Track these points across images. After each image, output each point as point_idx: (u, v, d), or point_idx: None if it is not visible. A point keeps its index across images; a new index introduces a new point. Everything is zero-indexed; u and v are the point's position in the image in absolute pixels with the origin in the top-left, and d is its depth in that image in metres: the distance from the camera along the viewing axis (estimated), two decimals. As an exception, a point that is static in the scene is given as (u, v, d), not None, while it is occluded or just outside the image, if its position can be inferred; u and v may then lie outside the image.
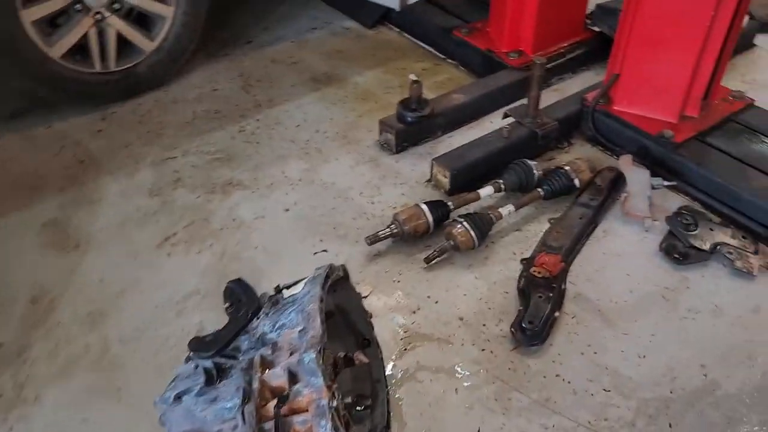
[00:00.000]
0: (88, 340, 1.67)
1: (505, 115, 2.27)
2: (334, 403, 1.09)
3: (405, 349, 1.64)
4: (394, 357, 1.62)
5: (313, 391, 1.10)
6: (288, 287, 1.34)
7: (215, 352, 1.18)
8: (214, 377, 1.22)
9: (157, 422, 1.32)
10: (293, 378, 1.15)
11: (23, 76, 2.32)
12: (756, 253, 1.86)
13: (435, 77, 2.74)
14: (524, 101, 2.34)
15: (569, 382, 1.56)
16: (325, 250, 1.91)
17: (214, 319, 1.70)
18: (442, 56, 2.86)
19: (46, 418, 1.50)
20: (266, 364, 1.19)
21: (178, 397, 1.26)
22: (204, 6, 2.55)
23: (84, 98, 2.46)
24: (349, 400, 1.25)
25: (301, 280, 1.33)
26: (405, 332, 1.68)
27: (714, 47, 2.03)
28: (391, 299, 1.76)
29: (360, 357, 1.31)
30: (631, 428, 1.47)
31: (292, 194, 2.12)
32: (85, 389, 1.56)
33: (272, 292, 1.37)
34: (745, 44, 2.86)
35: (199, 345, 1.20)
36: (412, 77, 2.67)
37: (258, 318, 1.26)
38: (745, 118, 2.24)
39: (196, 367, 1.30)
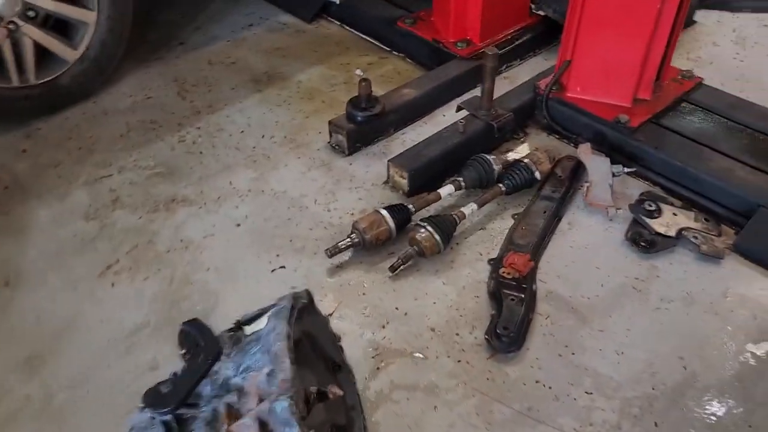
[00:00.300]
0: (28, 390, 1.51)
1: (459, 109, 2.20)
2: (313, 452, 1.00)
3: (377, 368, 1.55)
4: (366, 377, 1.52)
5: (288, 441, 1.00)
6: (249, 322, 1.22)
7: (174, 406, 1.06)
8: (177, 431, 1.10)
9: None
10: (264, 428, 1.04)
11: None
12: (719, 235, 1.85)
13: (381, 71, 2.63)
14: (476, 92, 2.28)
15: (550, 388, 1.51)
16: (283, 267, 1.79)
17: (168, 352, 1.57)
18: (387, 49, 2.75)
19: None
20: (233, 413, 1.08)
21: (136, 454, 1.13)
22: (129, 8, 2.36)
23: (4, 116, 2.24)
24: (325, 438, 1.15)
25: (263, 312, 1.22)
26: (375, 350, 1.59)
27: (665, 28, 2.01)
28: (357, 314, 1.67)
29: (334, 390, 1.20)
30: (617, 431, 1.42)
31: (243, 207, 1.99)
32: (29, 445, 1.42)
33: (231, 326, 1.26)
34: (686, 21, 2.86)
35: (155, 399, 1.07)
36: (359, 73, 2.58)
37: (219, 360, 1.14)
38: (696, 97, 2.23)
39: (153, 418, 1.17)
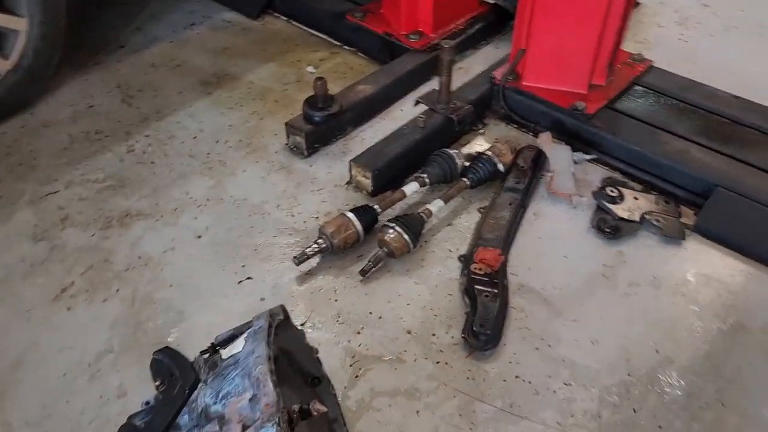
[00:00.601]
0: (-15, 430, 1.42)
1: (417, 103, 2.17)
2: (305, 478, 0.96)
3: (356, 377, 1.52)
4: (345, 387, 1.49)
5: (278, 469, 0.96)
6: (224, 343, 1.17)
7: (154, 441, 1.01)
8: (153, 466, 1.04)
9: None
10: (251, 455, 1.00)
11: None
12: (680, 216, 1.89)
13: (333, 66, 2.58)
14: (432, 85, 2.26)
15: (530, 382, 1.51)
16: (249, 278, 1.73)
17: (135, 377, 1.50)
18: (338, 43, 2.70)
19: None
20: (216, 442, 1.03)
21: (113, 494, 1.07)
22: (63, 12, 2.23)
23: (-68, 134, 2.10)
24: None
25: (239, 333, 1.17)
26: (353, 357, 1.55)
27: (616, 12, 2.02)
28: (331, 322, 1.63)
29: (317, 407, 1.17)
30: (598, 420, 1.44)
31: (202, 217, 1.91)
32: (-8, 491, 1.33)
33: (206, 348, 1.20)
34: (631, 4, 2.91)
35: (134, 434, 1.01)
36: (311, 70, 2.52)
37: (197, 387, 1.09)
38: (647, 80, 2.27)
39: (128, 451, 1.11)
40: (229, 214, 1.92)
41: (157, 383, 1.09)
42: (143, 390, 1.46)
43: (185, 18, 2.86)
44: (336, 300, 1.69)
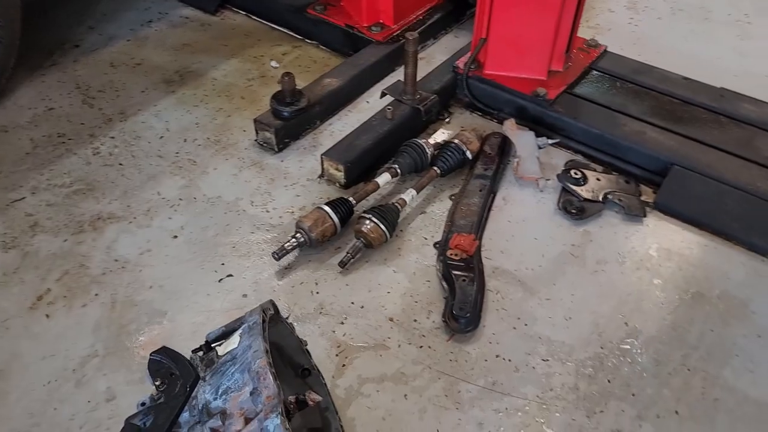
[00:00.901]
0: (-28, 443, 1.40)
1: (383, 95, 2.20)
2: (311, 464, 1.00)
3: (343, 366, 1.56)
4: (333, 376, 1.53)
5: (285, 458, 0.99)
6: (217, 340, 1.19)
7: (158, 440, 1.03)
8: (157, 465, 1.06)
9: None
10: (255, 447, 1.04)
11: None
12: (640, 195, 1.99)
13: (297, 61, 2.59)
14: (397, 77, 2.30)
15: (510, 360, 1.58)
16: (230, 275, 1.75)
17: (122, 380, 1.51)
18: (299, 37, 2.70)
19: None
20: (219, 437, 1.06)
21: (118, 495, 1.09)
22: (18, 13, 2.18)
23: None
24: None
25: (232, 329, 1.19)
26: (338, 347, 1.59)
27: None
28: (314, 314, 1.66)
29: (312, 397, 1.21)
30: (576, 392, 1.51)
31: (177, 217, 1.91)
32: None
33: (199, 346, 1.22)
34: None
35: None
36: (274, 65, 2.53)
37: (197, 385, 1.11)
38: (602, 64, 2.36)
39: (128, 452, 1.13)
40: (203, 212, 1.93)
41: (157, 383, 1.11)
42: (132, 393, 1.47)
43: (141, 15, 2.81)
44: (317, 292, 1.72)
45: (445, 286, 1.72)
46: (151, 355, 1.13)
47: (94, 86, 2.40)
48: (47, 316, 1.65)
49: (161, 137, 2.19)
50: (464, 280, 1.69)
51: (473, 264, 1.74)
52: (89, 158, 2.10)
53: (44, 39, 2.62)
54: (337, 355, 1.57)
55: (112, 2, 2.88)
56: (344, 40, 2.56)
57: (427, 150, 2.00)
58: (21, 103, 2.30)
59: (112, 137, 2.18)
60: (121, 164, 2.08)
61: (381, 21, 2.52)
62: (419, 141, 2.01)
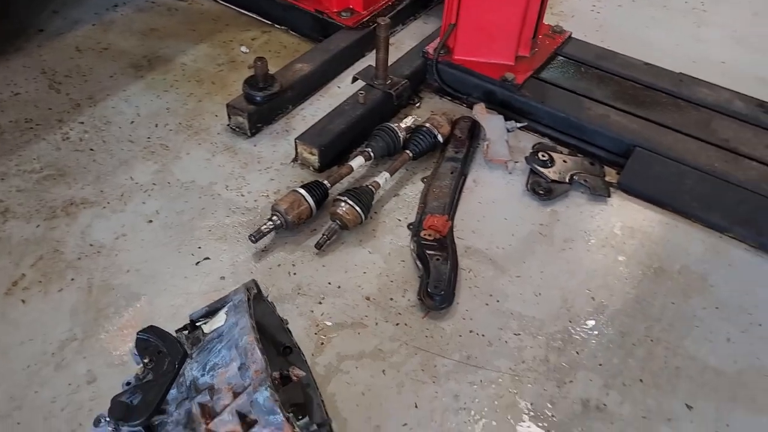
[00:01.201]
0: (-50, 428, 1.40)
1: (355, 80, 2.23)
2: (299, 434, 1.03)
3: (322, 344, 1.59)
4: (313, 354, 1.57)
5: (273, 429, 1.02)
6: (202, 318, 1.21)
7: (149, 416, 1.05)
8: (147, 440, 1.08)
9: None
10: (245, 420, 1.06)
11: None
12: (604, 176, 2.06)
13: (266, 46, 2.59)
14: (368, 62, 2.32)
15: (483, 335, 1.63)
16: (207, 258, 1.76)
17: (103, 363, 1.52)
18: (268, 22, 2.70)
19: None
20: (208, 411, 1.08)
21: (106, 471, 1.10)
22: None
23: None
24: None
25: (217, 308, 1.21)
26: (317, 326, 1.63)
27: (539, -12, 2.15)
28: (292, 295, 1.69)
29: (296, 372, 1.24)
30: (546, 364, 1.58)
31: (151, 202, 1.91)
32: (-33, 486, 1.32)
33: (184, 325, 1.24)
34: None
35: (127, 413, 1.05)
36: (244, 50, 2.53)
37: (185, 362, 1.13)
38: (567, 50, 2.43)
39: (115, 429, 1.14)
40: (178, 197, 1.93)
41: (146, 360, 1.13)
42: (113, 375, 1.49)
43: (99, 1, 2.77)
44: (294, 274, 1.75)
45: (420, 265, 1.76)
46: (138, 333, 1.15)
47: (60, 71, 2.37)
48: (23, 301, 1.64)
49: (132, 122, 2.18)
50: (438, 260, 1.74)
51: (446, 244, 1.79)
52: (59, 144, 2.08)
53: (6, 24, 2.56)
54: (316, 334, 1.61)
55: (75, -14, 2.83)
56: (314, 25, 2.57)
57: (399, 134, 2.04)
58: (-15, 89, 2.26)
59: (82, 122, 2.16)
60: (92, 149, 2.06)
61: (351, 6, 2.54)
62: (391, 125, 2.04)
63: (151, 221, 1.85)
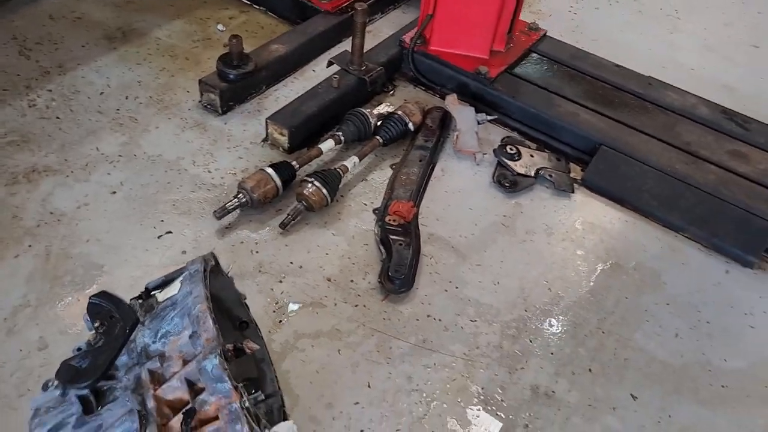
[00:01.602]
0: None
1: (330, 64, 2.23)
2: (246, 404, 1.04)
3: (280, 321, 1.60)
4: (270, 331, 1.57)
5: (221, 397, 1.03)
6: (158, 287, 1.21)
7: (96, 379, 1.05)
8: (93, 405, 1.08)
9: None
10: (192, 387, 1.07)
11: None
12: (569, 172, 2.10)
13: (243, 25, 2.58)
14: (344, 47, 2.33)
15: (440, 320, 1.66)
16: (169, 232, 1.76)
17: (56, 330, 1.51)
18: (247, 2, 2.69)
19: None
20: (157, 378, 1.08)
21: (52, 433, 1.10)
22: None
23: None
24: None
25: (172, 278, 1.21)
26: (276, 304, 1.64)
27: (516, -16, 2.17)
28: (253, 273, 1.70)
29: (250, 345, 1.24)
30: (500, 350, 1.61)
31: (116, 173, 1.90)
32: None
33: (139, 294, 1.24)
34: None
35: (75, 375, 1.04)
36: (220, 28, 2.51)
37: (136, 328, 1.13)
38: (542, 48, 2.46)
39: (63, 394, 1.14)
40: (144, 170, 1.92)
41: (96, 324, 1.12)
42: (66, 342, 1.48)
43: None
44: (257, 252, 1.75)
45: (383, 249, 1.78)
46: (90, 298, 1.14)
47: (31, 38, 2.33)
48: (-23, 265, 1.62)
49: (101, 93, 2.15)
50: (401, 245, 1.76)
51: (410, 230, 1.81)
52: (24, 110, 2.05)
53: (-23, -14, 2.51)
54: (274, 311, 1.62)
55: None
56: (293, 7, 2.57)
57: (371, 120, 2.05)
58: (-49, 51, 2.21)
59: (50, 90, 2.13)
60: (58, 118, 2.04)
61: (328, -8, 2.54)
62: (364, 110, 2.05)
63: (114, 192, 1.84)
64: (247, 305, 1.48)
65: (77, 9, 2.51)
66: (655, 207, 1.99)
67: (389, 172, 2.03)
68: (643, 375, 1.60)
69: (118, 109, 2.10)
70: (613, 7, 3.06)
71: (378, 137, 2.04)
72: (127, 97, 2.15)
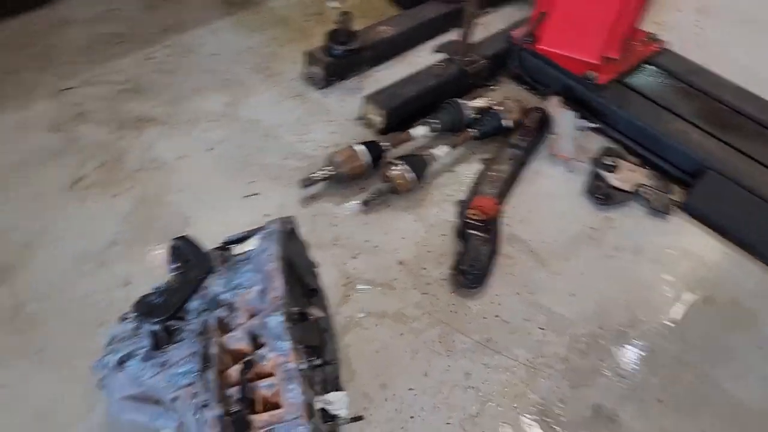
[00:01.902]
0: (-3, 299, 1.50)
1: (435, 51, 2.22)
2: (303, 365, 1.05)
3: (347, 296, 1.61)
4: (337, 304, 1.59)
5: (279, 354, 1.05)
6: (235, 242, 1.25)
7: (167, 316, 1.09)
8: (163, 341, 1.13)
9: (91, 385, 1.23)
10: (254, 341, 1.10)
11: None
12: (669, 192, 1.98)
13: (356, 4, 2.60)
14: (451, 36, 2.30)
15: (508, 322, 1.61)
16: (256, 194, 1.81)
17: (139, 270, 1.59)
18: (363, -18, 2.71)
19: (-45, 387, 1.35)
20: (223, 326, 1.12)
21: (121, 362, 1.16)
22: None
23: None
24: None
25: (250, 234, 1.25)
26: (346, 278, 1.65)
27: (639, -10, 2.07)
28: (329, 245, 1.72)
29: (314, 312, 1.26)
30: (566, 363, 1.55)
31: (215, 131, 1.97)
32: (2, 352, 1.41)
33: (219, 245, 1.28)
34: (654, -15, 2.94)
35: (149, 309, 1.10)
36: (334, 4, 2.54)
37: (209, 276, 1.18)
38: (659, 60, 2.33)
39: (136, 328, 1.20)
40: (241, 132, 1.98)
41: (173, 266, 1.17)
42: (147, 282, 1.54)
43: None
44: (336, 225, 1.77)
45: (460, 242, 1.75)
46: (172, 240, 1.20)
47: (157, -5, 2.46)
48: (80, 199, 1.73)
49: (213, 54, 2.24)
50: (479, 240, 1.73)
51: (491, 227, 1.77)
52: (141, 62, 2.17)
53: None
54: (344, 285, 1.63)
55: None
56: (405, -9, 2.57)
57: (467, 112, 2.02)
58: (84, 0, 2.37)
59: (168, 46, 2.24)
60: (171, 72, 2.14)
61: (445, -21, 2.51)
62: (461, 101, 2.03)
63: (212, 149, 1.92)
64: (317, 274, 1.50)
65: (203, -27, 2.62)
66: (759, 242, 1.84)
67: (479, 166, 1.99)
68: (720, 415, 1.50)
69: (226, 72, 2.18)
70: (743, 27, 2.85)
71: (472, 130, 2.00)
72: (236, 61, 2.23)
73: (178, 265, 1.17)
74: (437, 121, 1.99)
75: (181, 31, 2.31)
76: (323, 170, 1.81)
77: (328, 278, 1.61)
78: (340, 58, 2.14)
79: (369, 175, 1.87)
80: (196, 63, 2.19)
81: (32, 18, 2.24)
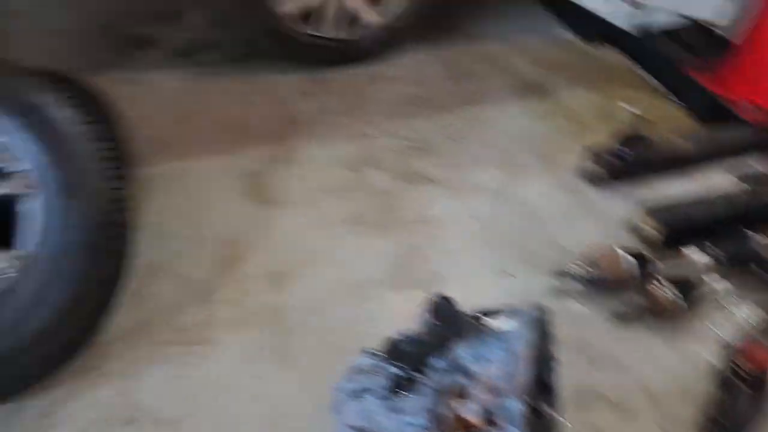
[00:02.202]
0: (267, 299, 1.71)
1: (737, 179, 2.05)
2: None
3: (582, 406, 1.52)
4: (568, 410, 1.50)
5: (510, 439, 1.03)
6: (488, 315, 1.27)
7: (413, 365, 1.14)
8: (401, 387, 1.18)
9: (324, 403, 1.31)
10: (488, 418, 1.09)
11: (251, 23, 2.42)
12: None
13: (648, 109, 2.51)
14: (755, 164, 2.12)
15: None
16: (513, 275, 1.82)
17: (386, 311, 1.69)
18: (663, 89, 2.63)
19: (219, 366, 1.55)
20: (461, 393, 1.14)
21: (360, 394, 1.23)
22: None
23: (306, 59, 2.50)
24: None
25: (499, 311, 1.26)
26: (583, 387, 1.56)
27: None
28: (571, 348, 1.64)
29: (546, 409, 1.22)
30: None
31: (485, 204, 2.05)
32: (259, 346, 1.60)
33: (473, 315, 1.32)
34: None
35: (399, 354, 1.16)
36: (625, 106, 2.50)
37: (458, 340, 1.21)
38: None
39: (377, 365, 1.27)
40: (510, 210, 2.03)
41: (431, 321, 1.23)
42: (391, 324, 1.63)
43: (523, 24, 2.99)
44: (580, 327, 1.70)
45: (720, 390, 1.56)
46: (435, 295, 1.26)
47: (460, 70, 2.65)
48: (357, 234, 1.90)
49: (500, 132, 2.35)
50: (742, 394, 1.51)
51: (762, 386, 1.55)
52: (434, 126, 2.35)
53: (430, 23, 2.95)
54: (577, 392, 1.54)
55: (502, 8, 3.11)
56: (709, 107, 2.43)
57: (758, 249, 1.81)
58: (400, 63, 2.64)
59: (460, 116, 2.41)
60: (457, 140, 2.29)
61: (758, 102, 2.32)
62: (756, 236, 1.83)
63: (478, 219, 1.99)
64: (555, 371, 1.44)
65: (505, 57, 2.76)
66: None
67: (756, 309, 1.77)
68: None
69: (508, 150, 2.27)
70: None
71: (760, 270, 1.79)
72: (519, 143, 2.31)
73: (436, 322, 1.21)
74: (718, 249, 1.82)
75: (475, 105, 2.46)
76: (582, 268, 1.76)
77: (563, 379, 1.55)
78: (625, 162, 2.09)
79: (628, 286, 1.77)
80: (482, 137, 2.32)
81: (355, 71, 2.57)
